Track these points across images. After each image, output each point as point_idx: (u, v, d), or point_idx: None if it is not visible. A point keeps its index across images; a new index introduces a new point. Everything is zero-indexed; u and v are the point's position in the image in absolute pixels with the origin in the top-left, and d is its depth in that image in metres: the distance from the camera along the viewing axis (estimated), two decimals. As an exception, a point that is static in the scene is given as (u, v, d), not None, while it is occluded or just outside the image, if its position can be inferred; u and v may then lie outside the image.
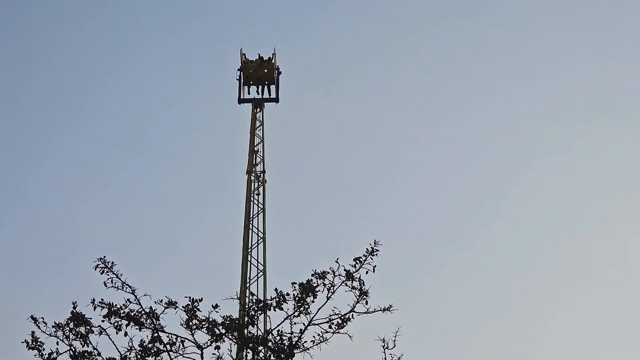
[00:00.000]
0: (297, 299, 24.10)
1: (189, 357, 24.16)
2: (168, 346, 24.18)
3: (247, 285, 34.72)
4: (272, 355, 24.03)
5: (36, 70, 63.90)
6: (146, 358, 24.08)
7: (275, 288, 24.23)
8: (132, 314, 24.30)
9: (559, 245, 58.30)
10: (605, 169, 59.37)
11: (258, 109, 39.46)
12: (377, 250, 24.16)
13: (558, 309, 55.25)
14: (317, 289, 24.15)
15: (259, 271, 35.02)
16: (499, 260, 58.00)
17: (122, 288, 24.47)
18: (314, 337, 24.08)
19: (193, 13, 66.22)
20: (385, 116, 60.41)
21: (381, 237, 24.22)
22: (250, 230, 36.46)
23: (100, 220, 58.34)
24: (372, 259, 24.18)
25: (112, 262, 24.54)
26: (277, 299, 24.17)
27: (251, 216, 36.89)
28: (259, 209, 36.96)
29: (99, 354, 24.29)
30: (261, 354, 24.30)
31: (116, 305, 24.33)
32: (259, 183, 37.53)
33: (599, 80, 60.40)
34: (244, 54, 39.79)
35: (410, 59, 62.16)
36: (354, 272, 24.16)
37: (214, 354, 24.12)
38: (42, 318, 24.35)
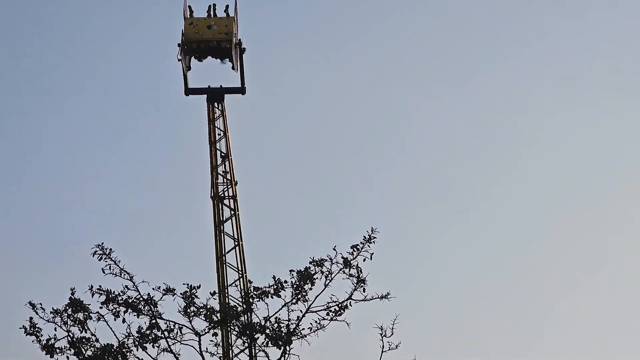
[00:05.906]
0: (295, 286, 24.17)
1: (186, 344, 24.27)
2: (166, 333, 24.24)
3: (226, 286, 30.13)
4: (269, 342, 24.08)
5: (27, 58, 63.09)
6: (144, 344, 24.16)
7: (273, 275, 24.27)
8: (130, 300, 24.34)
9: (558, 225, 57.74)
10: (614, 146, 58.37)
11: (217, 104, 30.17)
12: (374, 237, 24.23)
13: (558, 293, 55.01)
14: (315, 277, 24.22)
15: (238, 273, 30.67)
16: (496, 244, 57.69)
17: (120, 275, 24.54)
18: (311, 324, 24.20)
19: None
20: (369, 93, 58.81)
21: (378, 224, 24.30)
22: (223, 234, 31.14)
23: (98, 207, 58.24)
24: (369, 246, 24.26)
25: (110, 249, 24.60)
26: (275, 286, 24.21)
27: (223, 223, 31.25)
28: (231, 213, 31.22)
29: (96, 340, 24.34)
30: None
31: (114, 291, 24.39)
32: (230, 186, 31.36)
33: (607, 57, 59.64)
34: (189, 6, 30.95)
35: (414, 26, 60.75)
36: (351, 260, 24.22)
37: (211, 340, 24.26)
38: (40, 304, 24.41)
